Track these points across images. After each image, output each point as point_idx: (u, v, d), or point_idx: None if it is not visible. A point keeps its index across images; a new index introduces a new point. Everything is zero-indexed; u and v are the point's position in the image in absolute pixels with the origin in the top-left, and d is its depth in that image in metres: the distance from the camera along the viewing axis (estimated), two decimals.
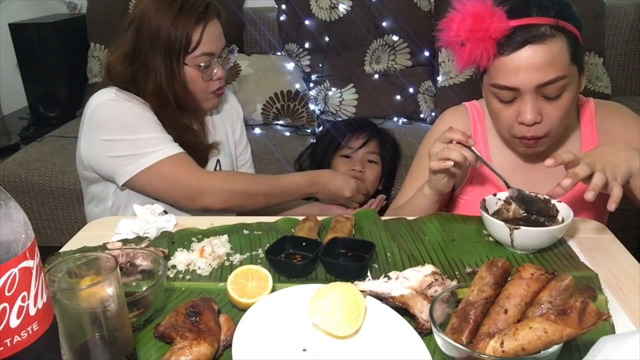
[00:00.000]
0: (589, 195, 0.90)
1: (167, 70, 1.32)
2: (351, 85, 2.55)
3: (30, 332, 0.50)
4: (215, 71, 1.37)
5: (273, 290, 0.81)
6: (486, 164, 1.07)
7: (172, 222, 1.08)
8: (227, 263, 0.95)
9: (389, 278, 0.79)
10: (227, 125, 1.59)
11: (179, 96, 1.35)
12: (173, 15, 1.29)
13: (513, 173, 1.19)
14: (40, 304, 0.51)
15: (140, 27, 1.30)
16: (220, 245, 0.98)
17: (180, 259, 0.94)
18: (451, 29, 1.07)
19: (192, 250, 0.96)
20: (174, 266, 0.94)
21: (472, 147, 1.03)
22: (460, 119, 1.27)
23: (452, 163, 1.04)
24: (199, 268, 0.92)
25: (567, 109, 1.07)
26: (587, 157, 0.96)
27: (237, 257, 0.96)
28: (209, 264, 0.93)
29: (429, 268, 0.80)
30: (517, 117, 1.07)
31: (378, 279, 0.80)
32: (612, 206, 0.91)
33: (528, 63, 1.02)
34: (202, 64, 1.33)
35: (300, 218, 1.09)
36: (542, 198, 1.02)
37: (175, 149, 1.30)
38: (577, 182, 0.92)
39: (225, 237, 1.01)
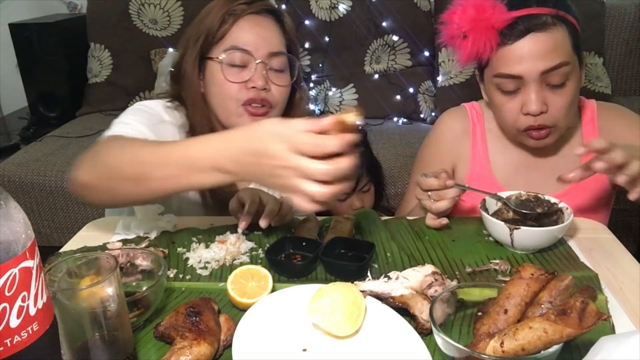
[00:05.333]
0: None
1: (195, 65, 1.16)
2: (351, 85, 2.55)
3: (30, 332, 0.50)
4: (247, 75, 1.12)
5: (273, 290, 0.81)
6: (471, 188, 1.04)
7: (172, 222, 1.08)
8: (237, 262, 0.95)
9: (389, 278, 0.79)
10: None
11: (203, 105, 1.17)
12: (217, 3, 1.15)
13: (513, 174, 1.19)
14: (40, 304, 0.51)
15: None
16: (243, 240, 1.00)
17: (200, 253, 0.96)
18: (453, 21, 1.07)
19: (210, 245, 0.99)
20: (187, 259, 0.96)
21: (455, 185, 1.00)
22: (459, 120, 1.27)
23: (447, 221, 1.04)
24: (212, 260, 0.94)
25: (572, 99, 1.07)
26: (623, 148, 0.91)
27: (241, 257, 0.96)
28: (218, 260, 0.94)
29: (429, 268, 0.80)
30: (521, 108, 1.07)
31: (378, 279, 0.80)
32: (625, 179, 0.89)
33: (531, 50, 1.02)
34: (231, 60, 1.12)
35: (301, 218, 1.09)
36: (535, 200, 1.02)
37: (121, 131, 1.05)
38: (608, 168, 0.89)
39: (243, 237, 1.02)
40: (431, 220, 1.04)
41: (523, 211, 1.00)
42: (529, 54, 1.03)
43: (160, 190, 0.87)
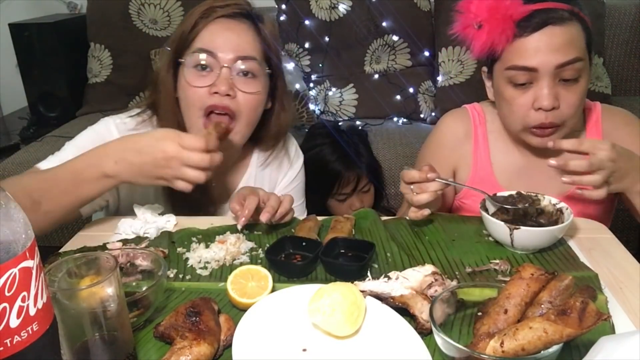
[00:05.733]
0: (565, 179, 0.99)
1: (169, 69, 1.13)
2: (351, 85, 2.55)
3: (30, 332, 0.50)
4: (211, 80, 1.07)
5: (273, 290, 0.81)
6: (454, 183, 1.08)
7: (172, 222, 1.08)
8: (237, 262, 0.95)
9: (389, 278, 0.79)
10: (266, 184, 1.29)
11: (176, 111, 1.14)
12: (197, 6, 1.13)
13: (516, 176, 1.18)
14: (40, 304, 0.51)
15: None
16: (243, 240, 1.00)
17: (200, 253, 0.95)
18: (469, 10, 1.07)
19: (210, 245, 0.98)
20: (186, 259, 0.95)
21: (436, 178, 0.99)
22: (460, 121, 1.26)
23: (429, 212, 1.03)
24: (212, 260, 0.94)
25: (583, 97, 1.07)
26: (605, 161, 0.96)
27: (241, 257, 0.96)
28: (218, 260, 0.94)
29: (429, 268, 0.80)
30: (533, 103, 1.06)
31: (378, 279, 0.80)
32: (567, 181, 0.99)
33: (548, 43, 1.02)
34: (195, 62, 1.09)
35: (301, 218, 1.09)
36: (518, 196, 1.03)
37: (44, 165, 1.08)
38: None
39: (244, 236, 1.02)
40: (413, 213, 1.04)
41: (504, 206, 1.00)
42: (546, 46, 1.02)
43: (56, 212, 0.98)
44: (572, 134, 1.18)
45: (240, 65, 1.09)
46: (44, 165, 1.10)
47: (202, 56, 1.09)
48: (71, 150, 1.12)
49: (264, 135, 1.24)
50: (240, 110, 1.10)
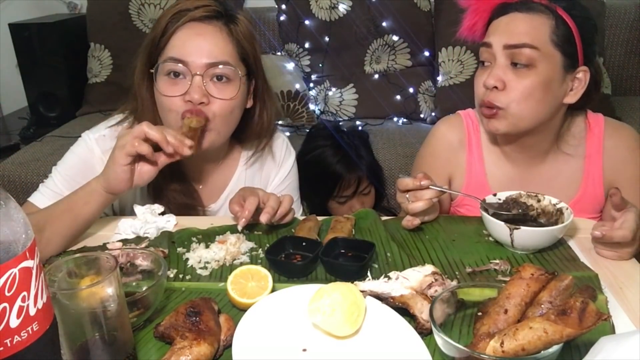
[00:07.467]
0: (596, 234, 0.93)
1: (143, 76, 1.12)
2: (351, 85, 2.55)
3: (30, 332, 0.50)
4: (183, 88, 1.06)
5: (273, 290, 0.81)
6: (448, 190, 1.07)
7: (172, 222, 1.08)
8: (237, 262, 0.95)
9: (389, 278, 0.79)
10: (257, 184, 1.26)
11: (152, 119, 1.10)
12: (168, 9, 1.11)
13: (510, 186, 1.17)
14: (40, 304, 0.51)
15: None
16: (243, 240, 1.00)
17: (200, 253, 0.95)
18: None
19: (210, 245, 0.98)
20: (186, 259, 0.95)
21: (430, 186, 0.99)
22: (454, 130, 1.25)
23: (419, 222, 1.03)
24: (212, 260, 0.94)
25: (533, 89, 1.06)
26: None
27: (241, 257, 0.96)
28: (218, 260, 0.94)
29: (429, 268, 0.80)
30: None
31: (378, 279, 0.80)
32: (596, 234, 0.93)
33: (506, 24, 1.08)
34: (167, 71, 1.08)
35: (301, 218, 1.09)
36: (519, 201, 1.03)
37: (36, 198, 1.12)
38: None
39: (244, 236, 1.03)
40: (406, 222, 1.04)
41: (500, 212, 1.00)
42: (504, 27, 1.08)
43: (62, 242, 0.98)
44: (569, 146, 1.17)
45: (213, 71, 1.07)
46: (36, 196, 1.11)
47: (173, 65, 1.07)
48: (58, 179, 1.13)
49: (247, 134, 1.24)
50: (216, 116, 1.09)
